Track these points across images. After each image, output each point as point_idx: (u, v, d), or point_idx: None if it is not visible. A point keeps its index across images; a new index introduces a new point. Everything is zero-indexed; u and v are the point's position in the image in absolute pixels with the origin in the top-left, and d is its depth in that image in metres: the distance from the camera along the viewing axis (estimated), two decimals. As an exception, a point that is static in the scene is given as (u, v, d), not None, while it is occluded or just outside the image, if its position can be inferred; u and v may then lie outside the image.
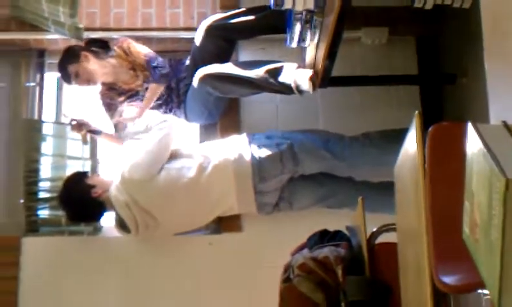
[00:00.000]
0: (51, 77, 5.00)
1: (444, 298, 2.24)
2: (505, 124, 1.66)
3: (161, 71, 4.54)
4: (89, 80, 4.57)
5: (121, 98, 4.64)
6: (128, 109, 4.60)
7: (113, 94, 4.67)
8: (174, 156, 4.32)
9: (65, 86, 4.80)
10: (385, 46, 4.85)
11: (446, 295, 2.24)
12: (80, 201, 4.33)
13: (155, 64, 4.54)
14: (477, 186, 1.65)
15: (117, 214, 4.32)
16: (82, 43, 4.67)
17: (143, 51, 4.62)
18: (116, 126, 4.67)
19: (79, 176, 4.45)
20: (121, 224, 4.32)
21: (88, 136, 4.60)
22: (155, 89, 4.54)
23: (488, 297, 2.10)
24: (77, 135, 4.60)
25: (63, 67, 4.57)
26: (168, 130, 4.31)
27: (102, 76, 4.62)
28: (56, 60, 4.77)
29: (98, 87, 4.68)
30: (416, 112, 2.34)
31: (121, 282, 4.48)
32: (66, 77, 4.57)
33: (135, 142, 4.34)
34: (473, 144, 1.67)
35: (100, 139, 4.69)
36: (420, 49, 4.87)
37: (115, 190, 4.27)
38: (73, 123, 4.53)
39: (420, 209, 2.21)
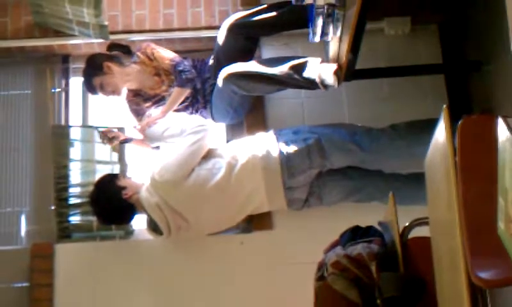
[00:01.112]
0: (76, 81, 5.01)
1: (481, 292, 2.23)
2: (535, 117, 1.66)
3: (187, 75, 4.55)
4: (113, 91, 4.61)
5: (148, 104, 4.66)
6: (152, 111, 4.63)
7: (139, 100, 4.70)
8: (204, 157, 4.32)
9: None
10: (408, 36, 4.82)
11: (482, 289, 2.23)
12: (111, 202, 4.35)
13: (181, 69, 4.55)
14: (511, 182, 1.64)
15: (148, 216, 4.33)
16: (106, 44, 4.72)
17: (167, 56, 4.64)
18: (143, 130, 4.70)
19: (110, 178, 4.47)
20: (153, 227, 4.33)
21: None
22: (179, 93, 4.55)
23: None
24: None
25: (87, 79, 4.62)
26: (202, 134, 4.30)
27: (127, 83, 4.65)
28: (80, 65, 4.83)
29: (124, 94, 4.71)
30: (444, 106, 2.33)
31: (155, 284, 4.48)
32: (92, 89, 4.63)
33: (169, 145, 4.36)
34: (504, 139, 1.66)
35: (130, 145, 4.71)
36: (444, 37, 4.84)
37: (146, 192, 4.29)
38: (105, 136, 4.58)
39: (452, 203, 2.20)
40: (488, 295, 2.27)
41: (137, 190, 4.34)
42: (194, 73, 4.59)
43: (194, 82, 4.59)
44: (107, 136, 4.59)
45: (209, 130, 4.36)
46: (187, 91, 4.57)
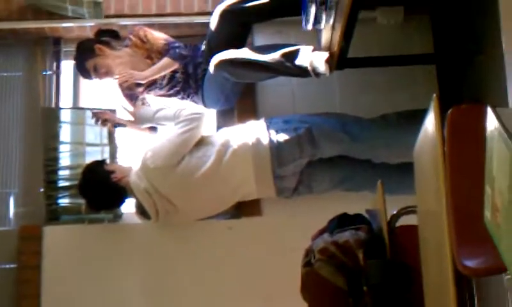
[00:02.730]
0: (67, 64, 5.01)
1: (466, 281, 2.24)
2: (524, 107, 1.66)
3: (181, 51, 4.55)
4: (107, 72, 4.60)
5: (141, 89, 4.65)
6: (146, 96, 4.61)
7: (132, 85, 4.68)
8: (196, 144, 4.30)
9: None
10: (401, 26, 4.81)
11: (469, 278, 2.24)
12: (101, 187, 4.35)
13: (175, 45, 4.55)
14: (498, 170, 1.65)
15: (137, 200, 4.33)
16: (96, 28, 4.72)
17: (160, 36, 4.64)
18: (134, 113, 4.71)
19: (98, 163, 4.46)
20: (141, 211, 4.33)
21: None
22: (168, 63, 4.54)
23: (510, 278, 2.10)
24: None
25: (80, 64, 4.62)
26: (196, 123, 4.27)
27: (119, 67, 4.63)
28: (71, 48, 4.81)
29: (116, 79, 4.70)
30: (434, 95, 2.33)
31: (142, 268, 4.49)
32: (85, 72, 4.62)
33: (162, 128, 4.35)
34: (492, 128, 1.66)
35: (124, 129, 4.71)
36: (436, 27, 4.84)
37: (135, 176, 4.29)
38: (99, 117, 4.57)
39: (440, 193, 2.21)
40: (474, 285, 2.28)
41: (126, 174, 4.34)
42: (188, 51, 4.58)
43: (187, 60, 4.58)
44: (101, 118, 4.59)
45: (204, 118, 4.33)
46: (176, 65, 4.55)
